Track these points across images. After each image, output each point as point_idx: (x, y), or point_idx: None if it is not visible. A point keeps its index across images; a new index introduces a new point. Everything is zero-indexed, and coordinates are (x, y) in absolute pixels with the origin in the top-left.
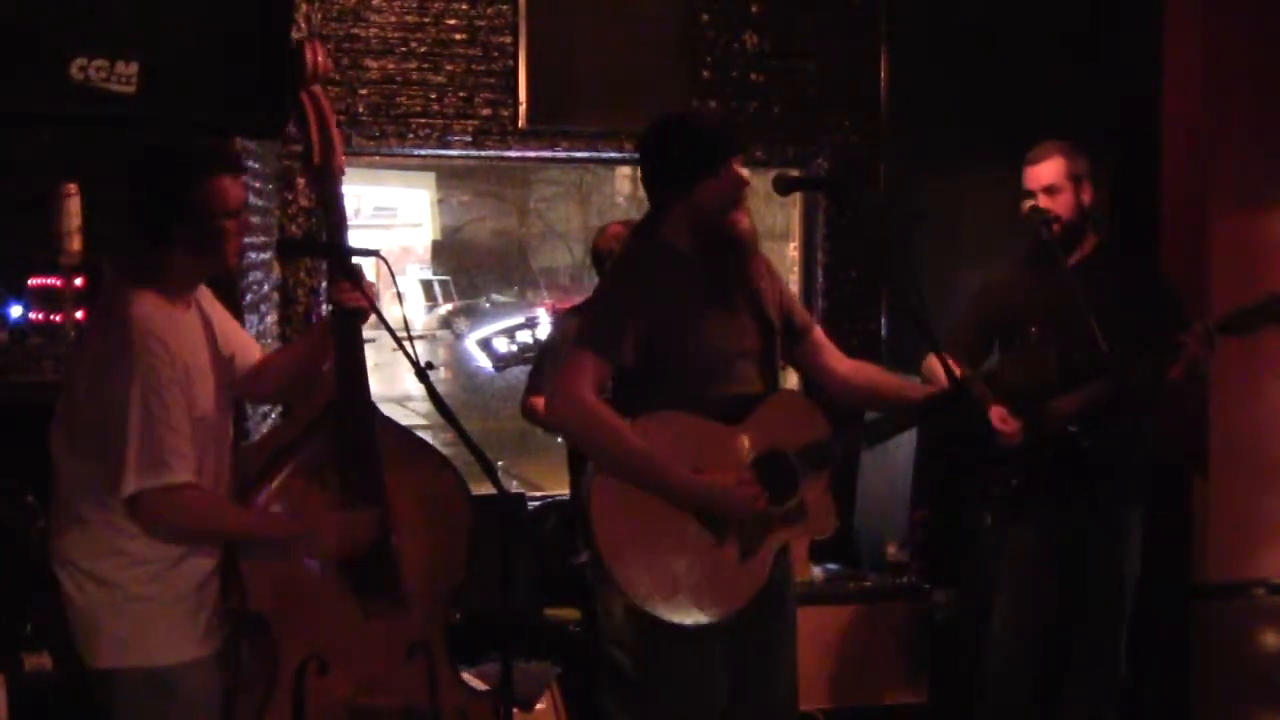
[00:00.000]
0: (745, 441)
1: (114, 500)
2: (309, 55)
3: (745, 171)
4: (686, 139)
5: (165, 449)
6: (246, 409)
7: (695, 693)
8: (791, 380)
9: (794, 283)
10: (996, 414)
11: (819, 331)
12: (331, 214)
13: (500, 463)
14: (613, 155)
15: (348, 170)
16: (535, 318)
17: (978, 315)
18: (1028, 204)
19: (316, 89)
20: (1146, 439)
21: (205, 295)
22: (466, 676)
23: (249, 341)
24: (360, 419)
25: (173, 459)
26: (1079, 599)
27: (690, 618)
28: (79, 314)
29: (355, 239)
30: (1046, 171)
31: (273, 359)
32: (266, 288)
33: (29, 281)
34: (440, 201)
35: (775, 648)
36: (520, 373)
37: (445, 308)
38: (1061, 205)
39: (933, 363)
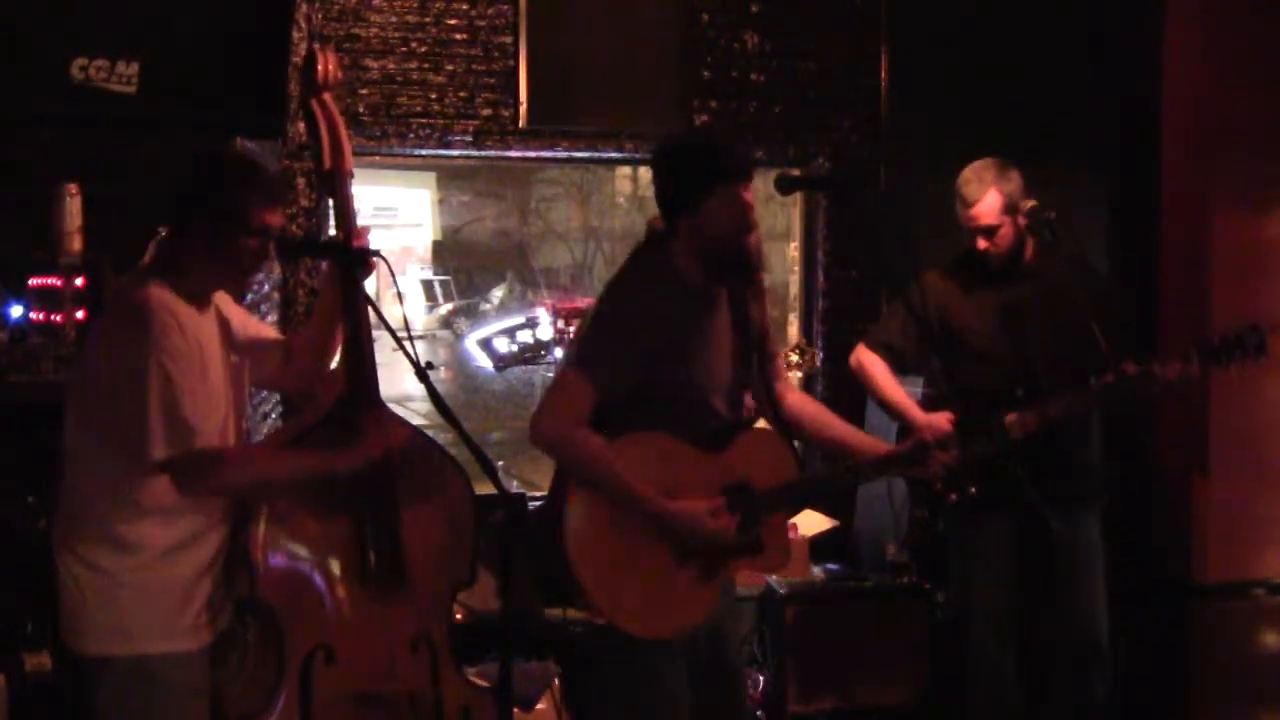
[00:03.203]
0: (718, 470)
1: (115, 485)
2: (320, 64)
3: (750, 196)
4: (690, 159)
5: (187, 418)
6: (248, 409)
7: (651, 699)
8: None
9: (794, 283)
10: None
11: (780, 359)
12: (341, 216)
13: (500, 462)
14: (613, 155)
15: None
16: (535, 318)
17: (919, 328)
18: (1028, 207)
19: (327, 97)
20: (1094, 437)
21: (222, 298)
22: (471, 677)
23: (272, 333)
24: (368, 413)
25: (196, 426)
26: (1051, 598)
27: (640, 630)
28: (79, 314)
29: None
30: (984, 213)
31: (296, 338)
32: (267, 287)
33: (29, 281)
34: (441, 201)
35: (732, 663)
36: (521, 373)
37: (445, 308)
38: (1002, 240)
39: (866, 359)
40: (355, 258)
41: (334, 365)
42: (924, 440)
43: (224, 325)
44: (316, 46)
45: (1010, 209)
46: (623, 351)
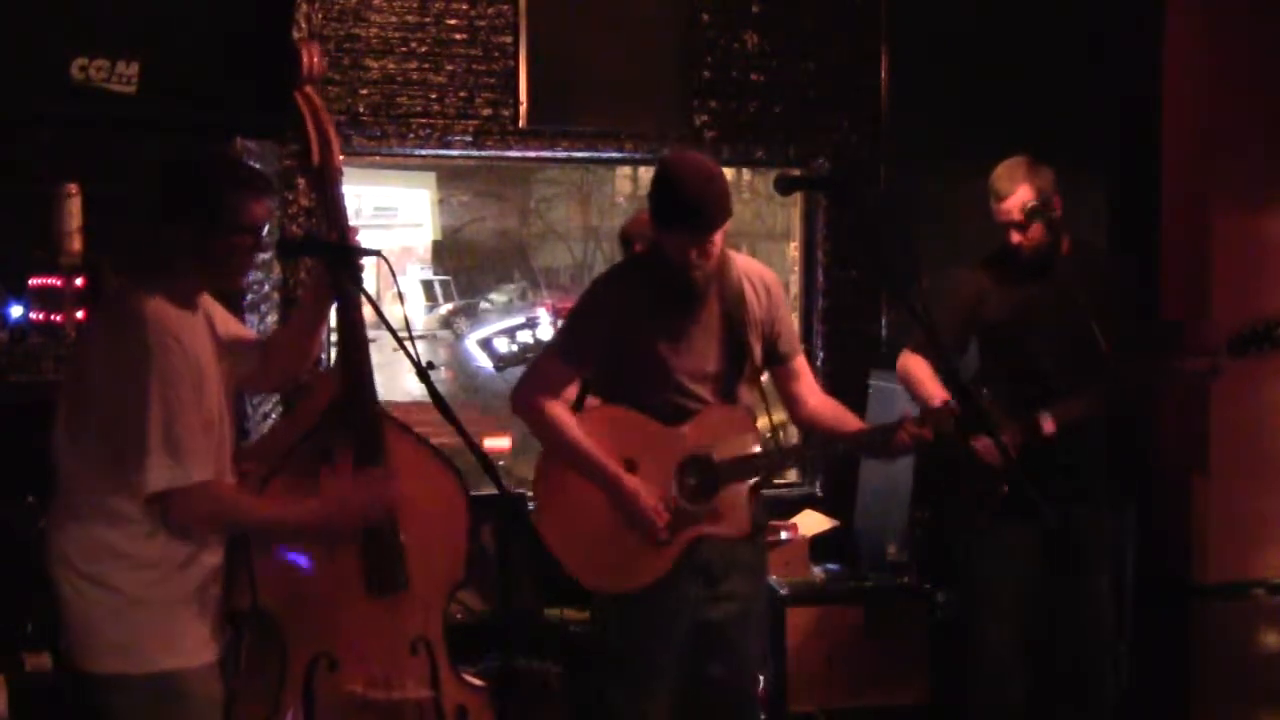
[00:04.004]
0: (679, 442)
1: (118, 501)
2: (304, 57)
3: (697, 251)
4: (655, 188)
5: (186, 447)
6: (247, 409)
7: (633, 647)
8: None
9: (794, 283)
10: (982, 444)
11: (801, 361)
12: (333, 213)
13: (501, 463)
14: (613, 155)
15: (348, 170)
16: (535, 318)
17: (959, 320)
18: (1029, 205)
19: (310, 90)
20: (1130, 440)
21: (205, 298)
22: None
23: (250, 334)
24: (366, 413)
25: (194, 457)
26: (1055, 598)
27: (595, 584)
28: (79, 314)
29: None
30: (1016, 205)
31: (273, 341)
32: (267, 287)
33: (29, 281)
34: (441, 201)
35: (730, 632)
36: (521, 373)
37: (446, 308)
38: (1035, 233)
39: (909, 361)
40: (355, 257)
41: (324, 365)
42: (900, 421)
43: (209, 324)
44: (299, 40)
45: (1043, 203)
46: (583, 329)
